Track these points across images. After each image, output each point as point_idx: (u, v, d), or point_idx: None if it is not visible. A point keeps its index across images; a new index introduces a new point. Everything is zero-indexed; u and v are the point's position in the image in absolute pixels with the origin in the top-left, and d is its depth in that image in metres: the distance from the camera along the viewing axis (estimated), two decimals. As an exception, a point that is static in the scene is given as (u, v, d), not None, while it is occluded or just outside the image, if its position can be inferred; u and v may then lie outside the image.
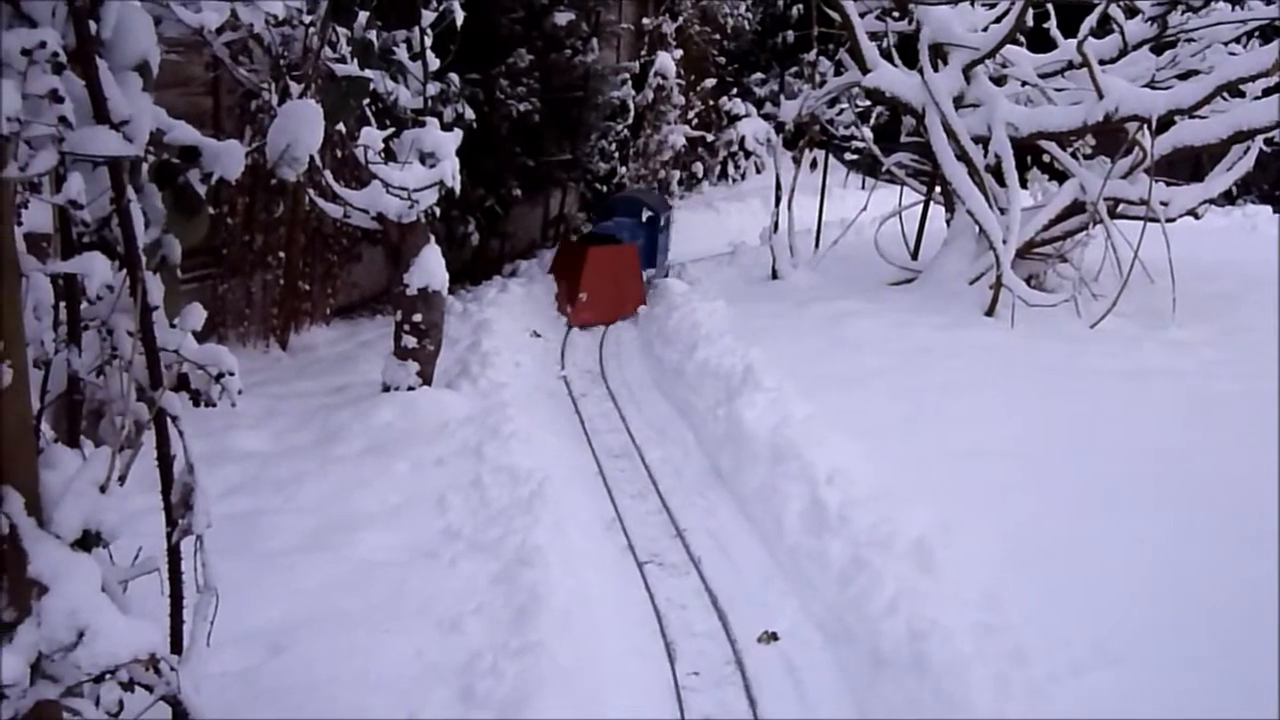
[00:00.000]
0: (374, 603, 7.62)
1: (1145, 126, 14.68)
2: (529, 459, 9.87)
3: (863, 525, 8.25)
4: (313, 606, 7.53)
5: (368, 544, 8.43)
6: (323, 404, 11.51)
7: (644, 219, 17.66)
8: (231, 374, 5.07)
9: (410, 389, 11.31)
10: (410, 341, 11.34)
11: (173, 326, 5.01)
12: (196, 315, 5.10)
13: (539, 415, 11.89)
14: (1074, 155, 17.51)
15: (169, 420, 4.82)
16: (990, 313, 14.64)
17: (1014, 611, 7.17)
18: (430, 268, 11.18)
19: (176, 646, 5.00)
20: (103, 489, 4.02)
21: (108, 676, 3.79)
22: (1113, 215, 15.69)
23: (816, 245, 19.25)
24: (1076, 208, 15.70)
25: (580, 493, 10.01)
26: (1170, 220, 15.69)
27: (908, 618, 7.01)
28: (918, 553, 7.75)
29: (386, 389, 11.42)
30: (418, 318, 11.26)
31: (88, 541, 3.94)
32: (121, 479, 4.65)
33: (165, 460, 4.82)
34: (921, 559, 7.68)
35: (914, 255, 18.09)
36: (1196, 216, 16.56)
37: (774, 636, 7.70)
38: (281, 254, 13.51)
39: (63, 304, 4.56)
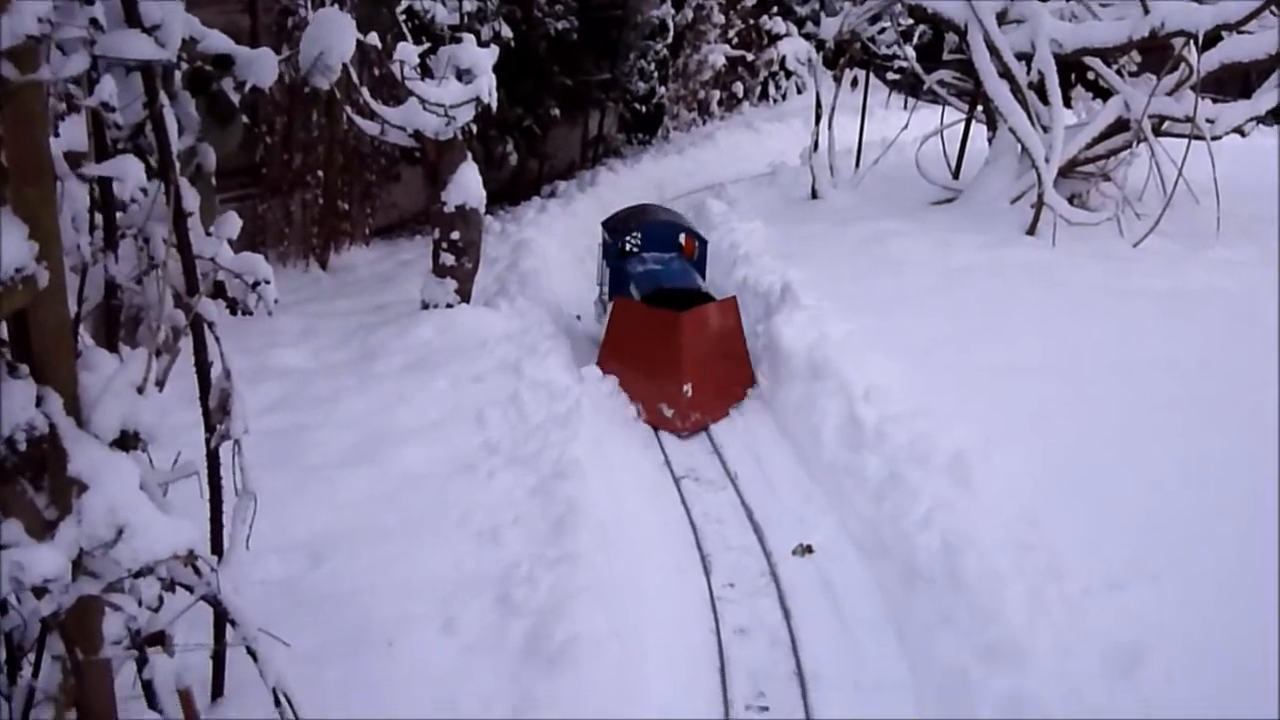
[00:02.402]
0: (413, 515, 7.71)
1: (1191, 42, 14.36)
2: (567, 376, 9.90)
3: (900, 441, 8.23)
4: (353, 518, 7.63)
5: (407, 458, 8.51)
6: (362, 322, 11.57)
7: (681, 244, 12.40)
8: (268, 282, 5.09)
9: (449, 306, 11.35)
10: (448, 259, 11.35)
11: (208, 235, 5.04)
12: (232, 224, 5.11)
13: (578, 334, 11.92)
14: (1118, 72, 17.18)
15: (206, 327, 4.86)
16: (1032, 232, 14.46)
17: (1050, 528, 7.15)
18: (467, 185, 11.15)
19: (216, 549, 5.09)
20: (140, 390, 4.05)
21: (147, 572, 3.85)
22: (1157, 133, 15.42)
23: (857, 165, 19.06)
24: (1121, 126, 15.43)
25: (619, 413, 10.04)
26: (1216, 138, 15.38)
27: (943, 532, 7.01)
28: (954, 469, 7.73)
29: (425, 307, 11.46)
30: (455, 235, 11.26)
31: (126, 441, 3.98)
32: (160, 384, 4.70)
33: (203, 367, 4.87)
34: (958, 475, 7.66)
35: (955, 174, 17.88)
36: (1243, 134, 16.22)
37: (809, 549, 7.74)
38: (320, 173, 13.53)
39: (98, 212, 4.60)
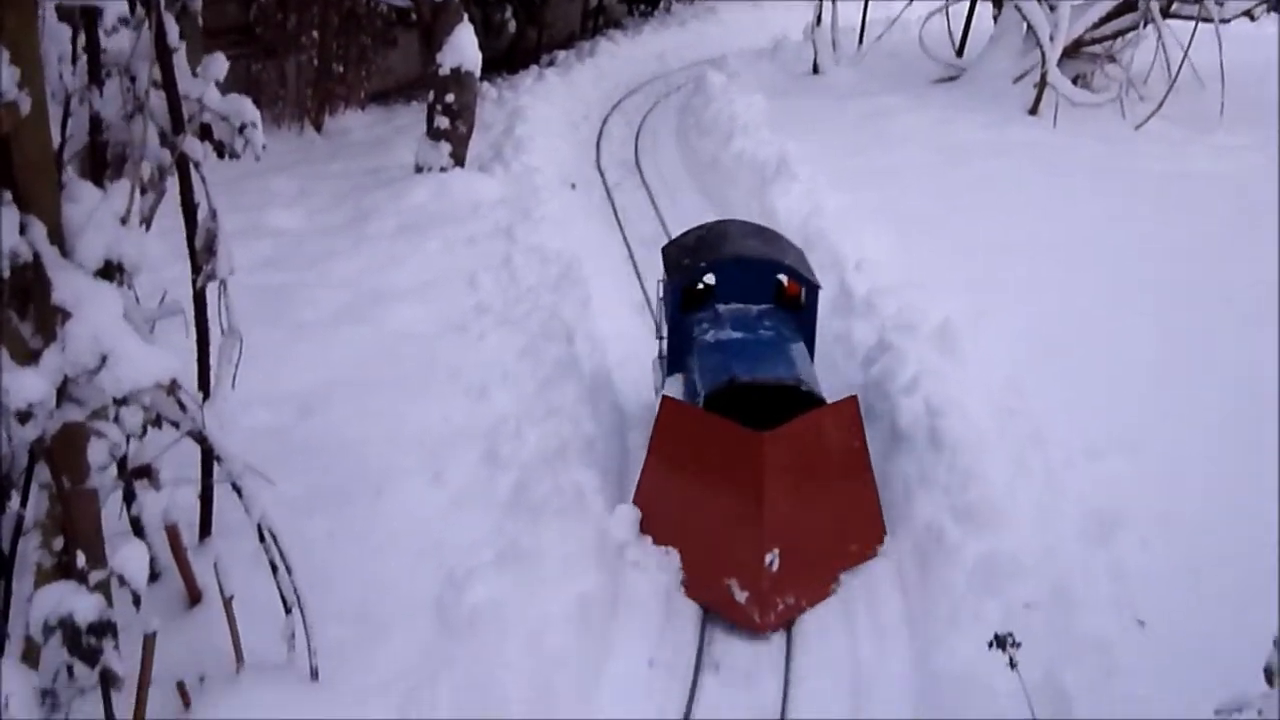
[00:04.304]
0: (404, 371, 7.77)
1: (1205, -81, 14.12)
2: (559, 241, 9.90)
3: (889, 311, 8.26)
4: (344, 373, 7.69)
5: (399, 317, 8.56)
6: (356, 185, 11.53)
7: (778, 289, 7.66)
8: (255, 125, 5.06)
9: (443, 170, 11.31)
10: (443, 122, 11.28)
11: (195, 75, 4.99)
12: (219, 65, 5.06)
13: (571, 201, 11.88)
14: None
15: (192, 167, 4.84)
16: (1034, 111, 14.35)
17: (1034, 397, 7.21)
18: (462, 47, 11.03)
19: (203, 389, 5.13)
20: (123, 221, 4.06)
21: (130, 401, 3.89)
22: (1165, 15, 15.19)
23: (860, 41, 18.80)
24: (1128, 6, 15.21)
25: (610, 276, 10.04)
26: (1225, 22, 15.15)
27: (927, 396, 7.06)
28: (942, 337, 7.76)
29: (419, 170, 11.41)
30: (450, 98, 11.17)
31: (109, 271, 4.00)
32: (145, 222, 4.71)
33: (189, 206, 4.87)
34: (945, 343, 7.70)
35: (959, 53, 17.65)
36: (1252, 18, 16.01)
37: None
38: (315, 34, 13.36)
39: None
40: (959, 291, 8.54)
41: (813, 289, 7.47)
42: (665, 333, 7.57)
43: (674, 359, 7.48)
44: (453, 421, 7.11)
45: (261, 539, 4.68)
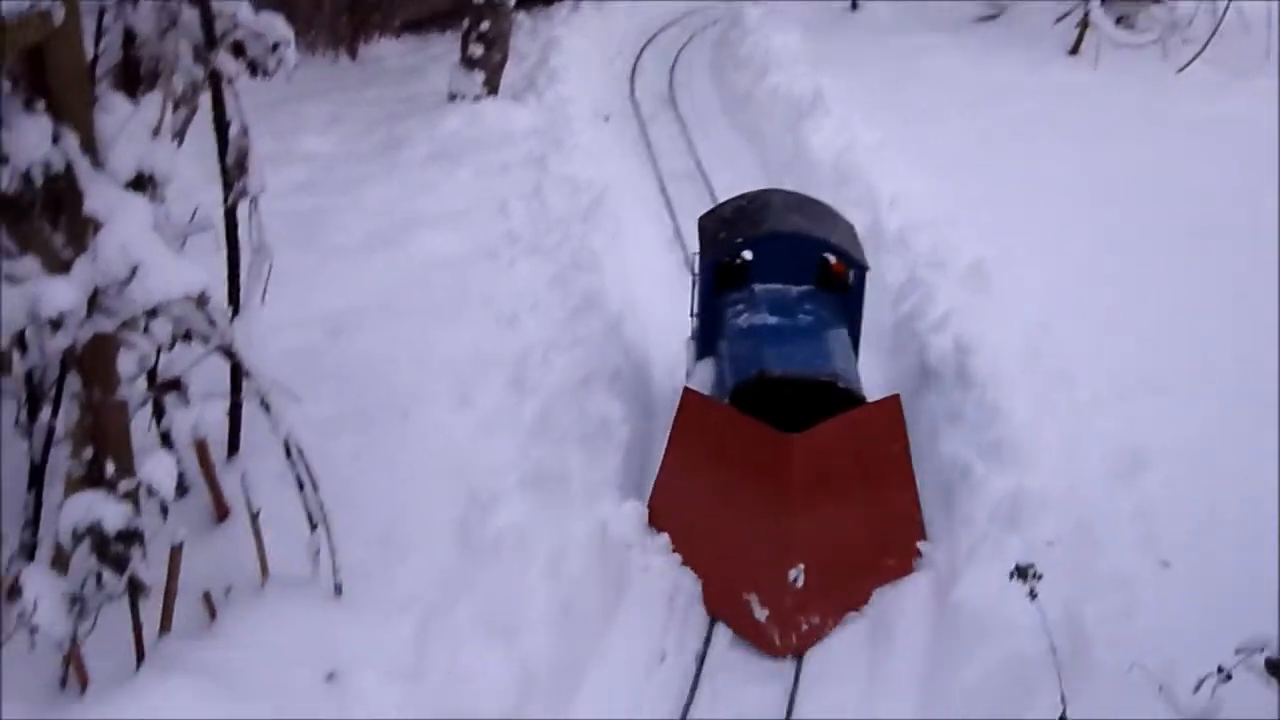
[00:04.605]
0: (434, 297, 7.79)
1: None
2: (591, 171, 9.87)
3: (921, 248, 8.22)
4: (374, 298, 7.72)
5: (430, 244, 8.57)
6: (389, 112, 11.51)
7: (822, 269, 6.96)
8: (287, 43, 5.04)
9: (476, 99, 11.29)
10: (477, 50, 11.24)
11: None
12: (252, -19, 5.04)
13: (604, 133, 11.82)
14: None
15: (224, 83, 4.84)
16: (1074, 52, 14.12)
17: (1063, 337, 7.16)
18: (498, -26, 10.97)
19: (234, 305, 5.17)
20: (155, 132, 4.07)
21: (159, 312, 3.92)
22: (1214, -44, 14.89)
23: (900, -22, 18.52)
24: (1176, -53, 14.92)
25: (641, 208, 10.02)
26: (1275, -36, 14.86)
27: (956, 334, 7.04)
28: (973, 276, 7.72)
29: (452, 98, 11.39)
30: (485, 26, 11.14)
31: (141, 183, 4.02)
32: (178, 137, 4.72)
33: (221, 122, 4.87)
34: (976, 281, 7.66)
35: (1001, -9, 17.39)
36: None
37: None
38: (350, -41, 13.30)
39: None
40: (992, 230, 8.48)
41: (860, 270, 6.77)
42: (698, 310, 6.96)
43: (705, 342, 6.86)
44: (481, 347, 7.14)
45: (288, 455, 4.72)
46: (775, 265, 6.79)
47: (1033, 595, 3.99)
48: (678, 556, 6.01)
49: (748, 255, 6.91)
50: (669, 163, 11.48)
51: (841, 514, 5.91)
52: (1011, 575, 4.05)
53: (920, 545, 6.00)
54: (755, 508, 5.88)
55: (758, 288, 6.79)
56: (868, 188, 9.27)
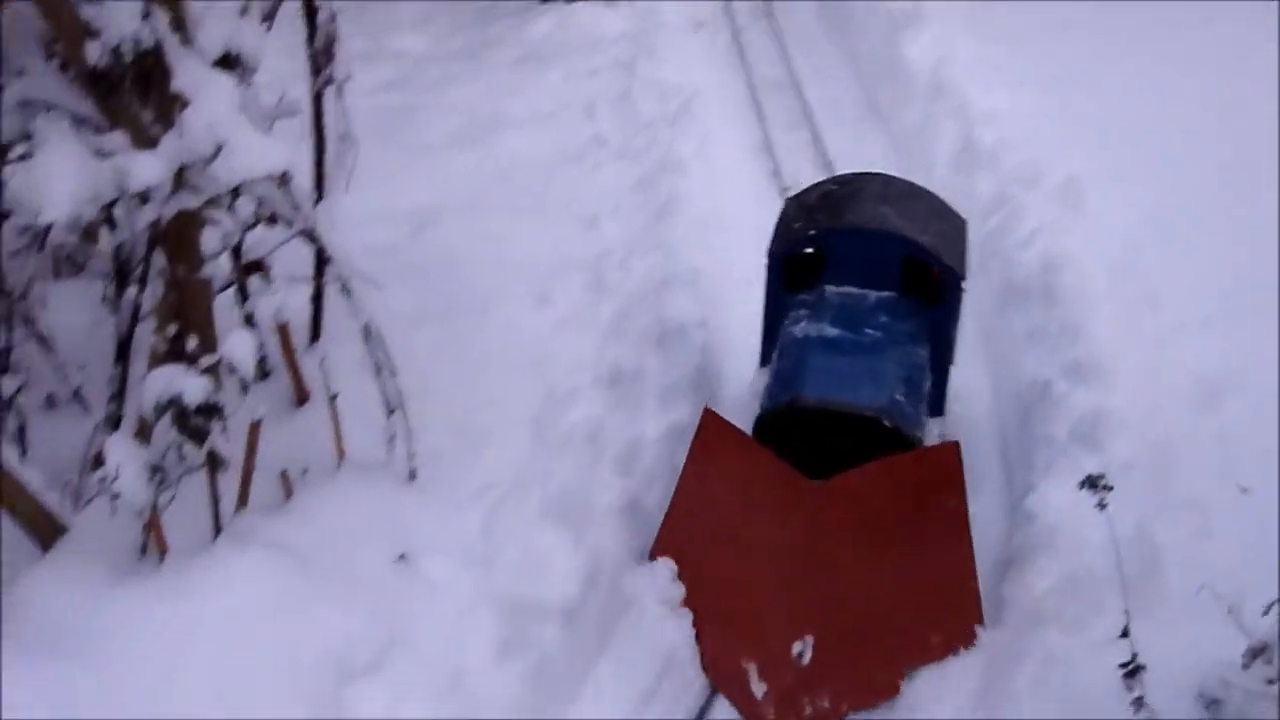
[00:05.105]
0: (517, 197, 7.82)
1: None
2: (681, 77, 9.77)
3: (1012, 164, 8.03)
4: (458, 195, 7.76)
5: (516, 144, 8.58)
6: (480, 12, 11.46)
7: (913, 280, 5.78)
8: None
9: (568, 1, 11.19)
10: (572, -48, 11.13)
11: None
12: None
13: (696, 40, 11.67)
14: None
15: (314, -33, 4.86)
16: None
17: (1152, 260, 6.96)
18: (595, -126, 10.83)
19: (319, 192, 5.22)
20: (243, 12, 4.10)
21: (243, 191, 3.98)
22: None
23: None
24: None
25: (731, 117, 9.90)
26: None
27: (1043, 252, 6.92)
28: (1064, 193, 7.55)
29: (545, 0, 11.31)
30: (581, -72, 11.00)
31: (228, 61, 4.06)
32: (268, 20, 4.75)
33: (310, 5, 4.89)
34: (1066, 199, 7.49)
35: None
36: None
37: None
38: None
39: None
40: (1090, 148, 8.23)
41: (954, 278, 5.61)
42: (764, 308, 5.97)
43: (767, 346, 5.91)
44: (562, 248, 7.16)
45: (368, 339, 4.78)
46: (852, 265, 5.74)
47: (1101, 506, 3.96)
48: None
49: (823, 249, 5.82)
50: (761, 71, 11.30)
51: (873, 580, 4.95)
52: (1081, 485, 4.02)
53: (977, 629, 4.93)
54: (767, 561, 5.02)
55: (829, 290, 5.76)
56: (962, 102, 9.06)
